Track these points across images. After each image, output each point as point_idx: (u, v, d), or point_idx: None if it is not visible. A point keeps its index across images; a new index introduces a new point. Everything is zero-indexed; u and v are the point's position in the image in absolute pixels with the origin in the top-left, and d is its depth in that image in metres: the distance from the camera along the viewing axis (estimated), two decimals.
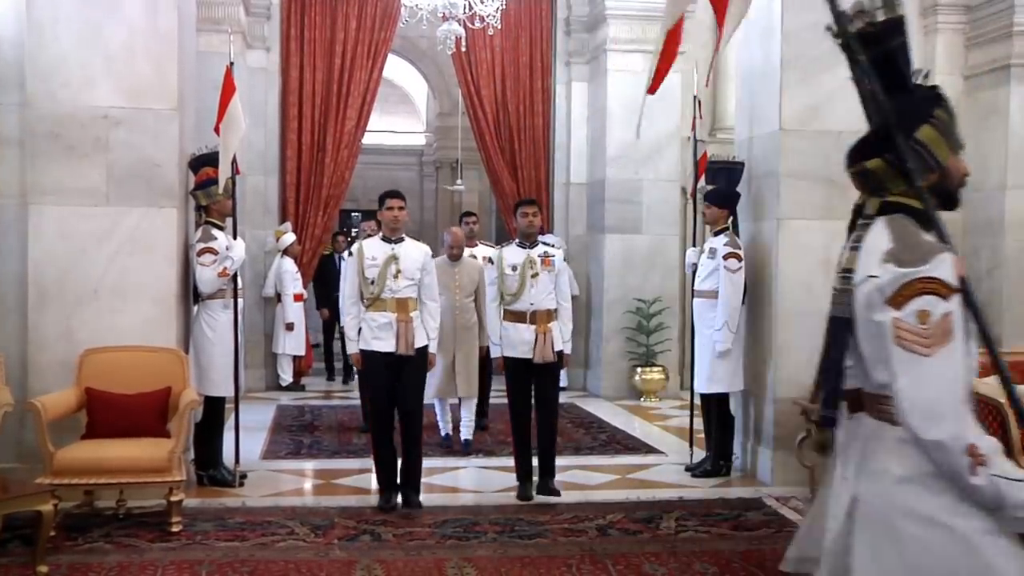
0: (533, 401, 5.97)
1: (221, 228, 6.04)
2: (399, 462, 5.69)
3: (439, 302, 5.83)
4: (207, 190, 5.96)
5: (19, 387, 5.47)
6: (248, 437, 6.82)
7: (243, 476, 6.13)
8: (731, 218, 6.52)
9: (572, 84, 10.67)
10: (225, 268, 5.89)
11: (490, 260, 6.16)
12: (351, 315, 5.65)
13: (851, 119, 6.17)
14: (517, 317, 5.95)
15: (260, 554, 4.77)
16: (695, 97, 7.23)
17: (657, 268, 9.98)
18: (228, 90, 5.90)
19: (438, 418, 7.56)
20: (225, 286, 5.97)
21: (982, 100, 10.42)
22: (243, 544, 4.92)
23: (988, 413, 4.00)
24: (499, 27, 9.13)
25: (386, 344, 5.52)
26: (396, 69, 17.41)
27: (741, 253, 6.35)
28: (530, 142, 10.63)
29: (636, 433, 8.08)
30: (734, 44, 6.59)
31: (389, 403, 5.62)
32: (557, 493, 5.86)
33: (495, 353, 6.28)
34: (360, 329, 5.59)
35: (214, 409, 6.05)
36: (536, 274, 5.93)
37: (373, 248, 5.64)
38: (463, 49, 9.37)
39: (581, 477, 6.50)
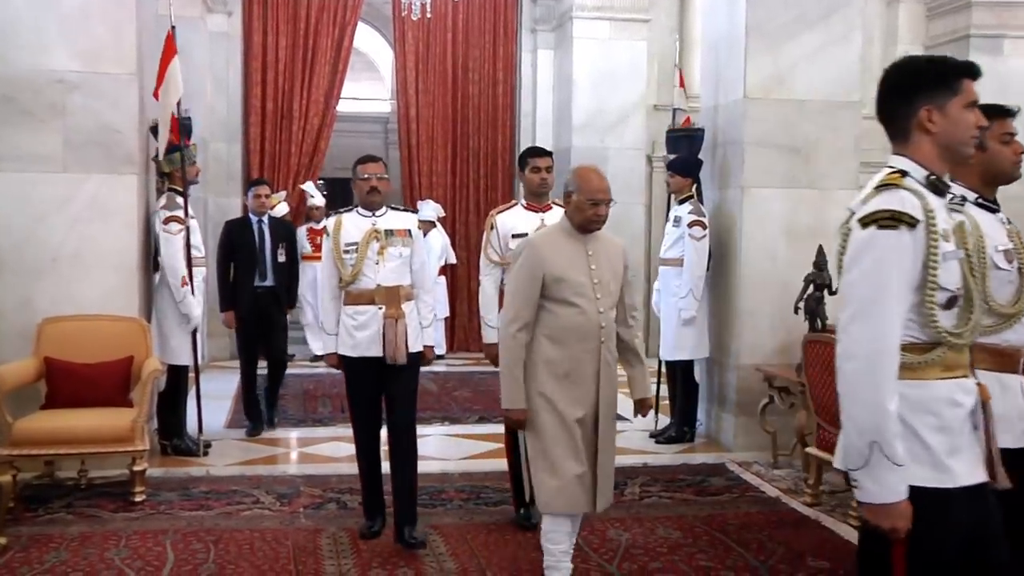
0: None
1: (185, 195, 5.97)
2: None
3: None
4: (170, 157, 5.89)
5: None
6: (213, 406, 6.78)
7: (207, 445, 6.11)
8: (695, 186, 6.55)
9: (538, 52, 10.63)
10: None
11: None
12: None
13: (814, 87, 6.26)
14: None
15: (225, 523, 4.75)
16: (676, 65, 7.32)
17: (622, 236, 9.83)
18: (168, 53, 5.79)
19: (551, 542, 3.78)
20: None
21: None
22: (208, 513, 4.91)
23: None
24: None
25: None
26: (361, 35, 17.15)
27: (706, 221, 6.38)
28: (491, 109, 10.60)
29: None
30: (700, 12, 6.60)
31: None
32: None
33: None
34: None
35: (177, 378, 6.01)
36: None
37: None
38: (428, 16, 9.26)
39: None
